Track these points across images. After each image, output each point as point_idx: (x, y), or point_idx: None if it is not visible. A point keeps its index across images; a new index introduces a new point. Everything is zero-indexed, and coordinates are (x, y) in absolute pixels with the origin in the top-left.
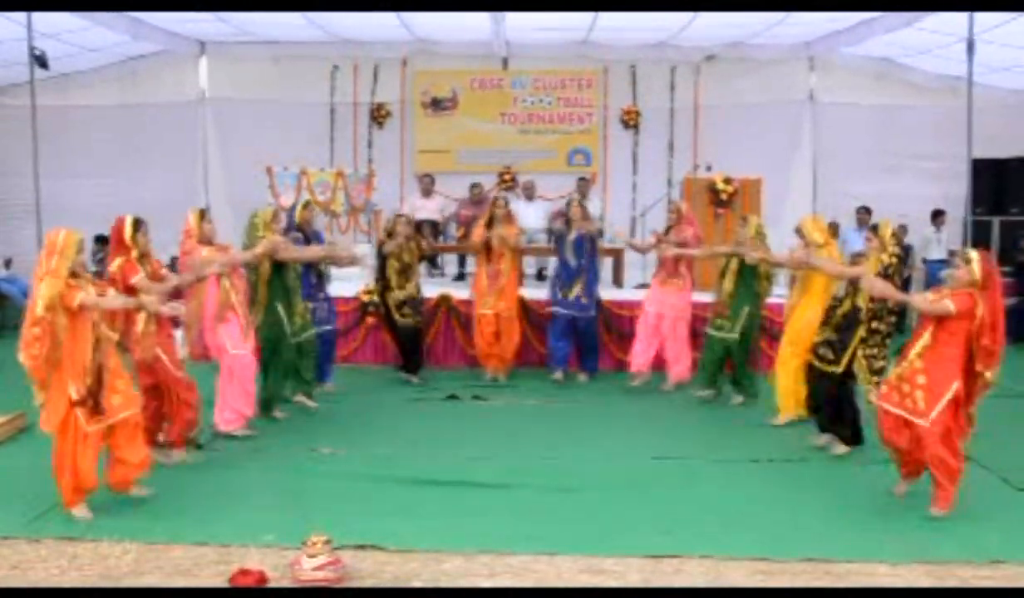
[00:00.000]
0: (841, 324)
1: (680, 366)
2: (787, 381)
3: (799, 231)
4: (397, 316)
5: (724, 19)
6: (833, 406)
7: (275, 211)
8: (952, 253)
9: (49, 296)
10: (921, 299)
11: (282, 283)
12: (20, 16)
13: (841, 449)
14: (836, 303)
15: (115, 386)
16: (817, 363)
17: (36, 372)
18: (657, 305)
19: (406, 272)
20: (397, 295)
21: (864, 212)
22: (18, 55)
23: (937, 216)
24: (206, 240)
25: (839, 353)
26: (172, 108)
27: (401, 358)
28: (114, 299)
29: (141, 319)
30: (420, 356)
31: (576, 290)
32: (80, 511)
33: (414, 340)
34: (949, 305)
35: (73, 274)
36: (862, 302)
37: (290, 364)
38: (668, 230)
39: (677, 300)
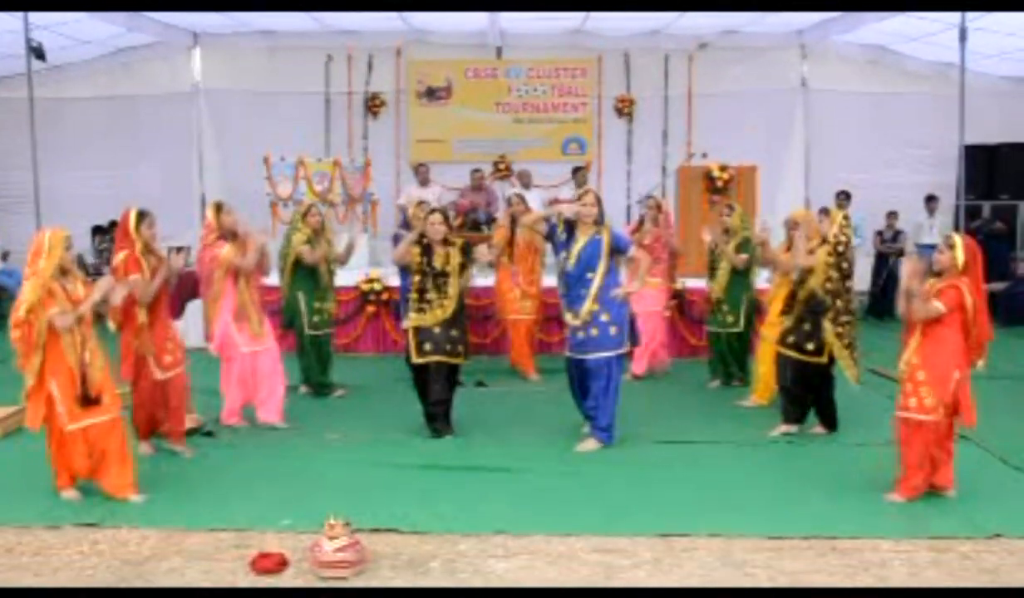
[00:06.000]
0: (807, 310)
1: (642, 361)
2: (766, 367)
3: (790, 223)
4: (426, 351)
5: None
6: (817, 393)
7: (309, 206)
8: None
9: (30, 301)
10: (916, 306)
11: (307, 275)
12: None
13: (820, 429)
14: (796, 290)
15: (104, 384)
16: (797, 354)
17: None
18: (638, 306)
19: (440, 282)
20: (423, 318)
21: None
22: (14, 47)
23: (930, 201)
24: (228, 233)
25: (821, 343)
26: (166, 99)
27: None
28: (80, 310)
29: (140, 312)
30: (446, 411)
31: (602, 316)
32: (68, 493)
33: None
34: (939, 306)
35: (63, 271)
36: (816, 285)
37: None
38: (641, 221)
39: (651, 301)
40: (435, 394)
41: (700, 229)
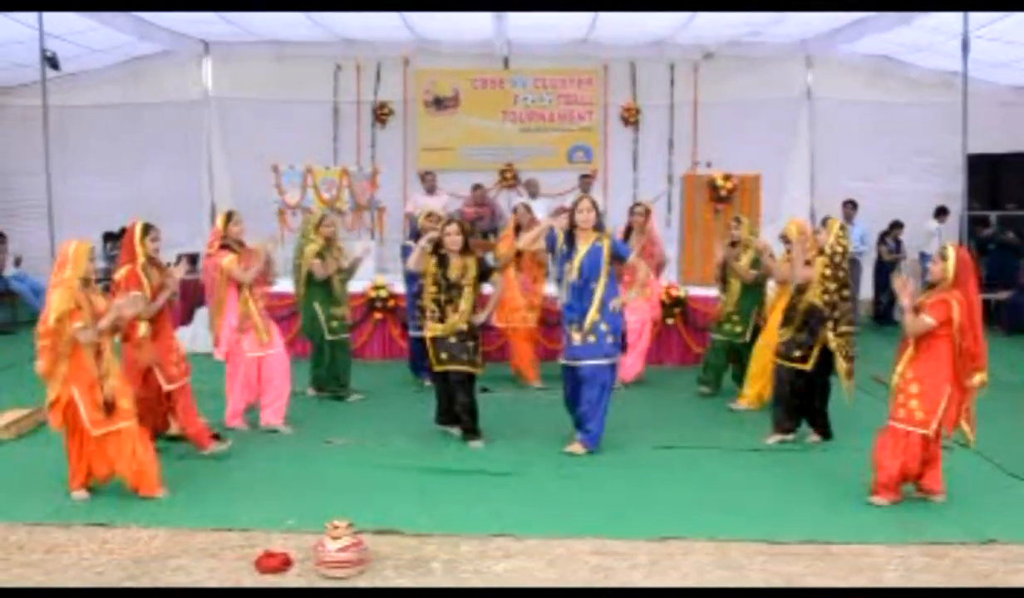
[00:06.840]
0: (804, 321)
1: (634, 367)
2: (758, 370)
3: (784, 238)
4: (443, 360)
5: (722, 17)
6: (807, 401)
7: (322, 216)
8: None
9: (60, 311)
10: (908, 321)
11: (320, 284)
12: (30, 17)
13: (815, 437)
14: (795, 302)
15: (121, 391)
16: (787, 363)
17: (47, 376)
18: (630, 314)
19: (454, 294)
20: (438, 328)
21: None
22: (29, 56)
23: (941, 214)
24: (234, 242)
25: (809, 351)
26: (176, 108)
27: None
28: (100, 326)
29: (142, 325)
30: (474, 417)
31: (602, 326)
32: (79, 494)
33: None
34: (929, 321)
35: (85, 282)
36: (816, 298)
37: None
38: (629, 230)
39: (644, 311)
40: (460, 402)
41: (704, 237)
